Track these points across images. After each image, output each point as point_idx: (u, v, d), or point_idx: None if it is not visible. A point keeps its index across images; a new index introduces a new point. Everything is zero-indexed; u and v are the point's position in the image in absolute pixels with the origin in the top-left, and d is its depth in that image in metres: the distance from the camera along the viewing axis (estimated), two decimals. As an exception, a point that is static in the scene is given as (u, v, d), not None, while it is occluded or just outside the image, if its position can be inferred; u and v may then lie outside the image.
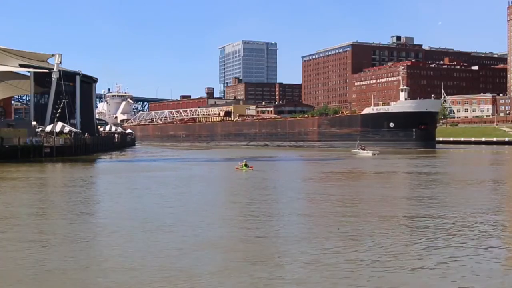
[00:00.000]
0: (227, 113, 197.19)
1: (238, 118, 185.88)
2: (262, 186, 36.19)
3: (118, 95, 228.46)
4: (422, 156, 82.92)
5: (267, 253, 15.82)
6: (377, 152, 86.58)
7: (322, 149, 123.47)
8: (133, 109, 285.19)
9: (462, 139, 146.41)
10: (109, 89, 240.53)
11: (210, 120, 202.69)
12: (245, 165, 50.18)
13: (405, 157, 79.95)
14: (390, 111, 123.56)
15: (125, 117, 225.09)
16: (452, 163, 66.40)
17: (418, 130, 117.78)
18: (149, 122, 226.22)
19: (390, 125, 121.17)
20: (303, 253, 15.68)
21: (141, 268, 14.10)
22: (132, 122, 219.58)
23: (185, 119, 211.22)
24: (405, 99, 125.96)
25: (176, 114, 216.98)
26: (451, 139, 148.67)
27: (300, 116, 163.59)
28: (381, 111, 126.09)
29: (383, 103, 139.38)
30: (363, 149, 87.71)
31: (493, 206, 25.78)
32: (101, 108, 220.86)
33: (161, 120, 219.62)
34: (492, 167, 61.22)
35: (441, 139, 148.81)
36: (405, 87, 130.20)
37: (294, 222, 21.51)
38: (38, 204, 27.87)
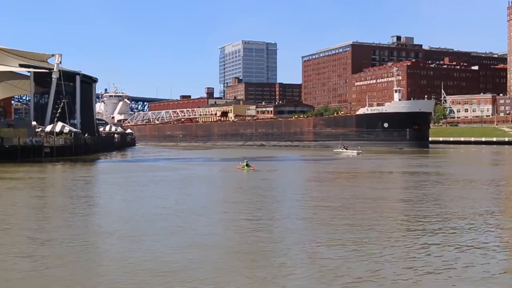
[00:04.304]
0: (224, 114, 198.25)
1: (235, 118, 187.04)
2: (265, 186, 36.09)
3: (115, 95, 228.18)
4: (420, 156, 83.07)
5: (268, 255, 15.75)
6: (360, 151, 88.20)
7: (317, 149, 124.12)
8: (133, 109, 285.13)
9: (462, 139, 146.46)
10: (106, 90, 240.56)
11: (207, 121, 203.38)
12: (247, 165, 50.11)
13: (404, 157, 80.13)
14: (384, 111, 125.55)
15: (122, 117, 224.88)
16: (450, 163, 66.36)
17: (412, 130, 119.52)
18: (146, 122, 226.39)
19: (384, 125, 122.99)
20: (304, 255, 15.61)
21: (141, 269, 14.03)
22: (129, 122, 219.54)
23: (182, 119, 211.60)
24: (399, 99, 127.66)
25: (173, 114, 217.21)
26: (451, 139, 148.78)
27: (296, 116, 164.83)
28: (375, 111, 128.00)
29: (377, 104, 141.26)
30: (346, 149, 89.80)
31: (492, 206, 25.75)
32: (98, 108, 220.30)
33: (158, 120, 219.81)
34: (491, 167, 61.15)
35: (441, 139, 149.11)
36: (398, 87, 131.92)
37: (297, 223, 21.44)
38: (38, 205, 27.78)
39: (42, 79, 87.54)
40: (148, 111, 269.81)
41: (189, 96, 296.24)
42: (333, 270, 13.70)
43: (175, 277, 13.17)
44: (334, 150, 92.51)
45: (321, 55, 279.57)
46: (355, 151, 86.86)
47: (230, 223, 21.29)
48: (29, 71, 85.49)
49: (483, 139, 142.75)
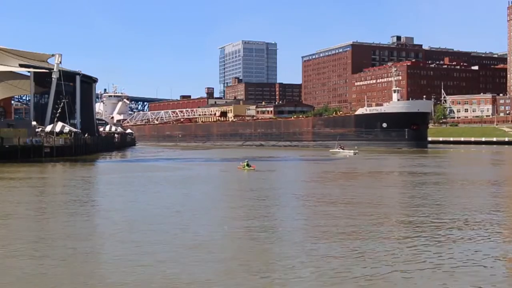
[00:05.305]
0: (223, 114, 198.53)
1: (234, 118, 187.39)
2: (266, 186, 36.02)
3: (114, 96, 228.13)
4: (419, 156, 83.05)
5: (271, 256, 15.69)
6: (357, 151, 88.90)
7: (316, 149, 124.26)
8: (133, 109, 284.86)
9: (462, 139, 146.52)
10: (105, 90, 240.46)
11: (207, 121, 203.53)
12: (247, 165, 50.08)
13: (404, 157, 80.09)
14: (383, 111, 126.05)
15: (121, 117, 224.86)
16: (451, 163, 66.33)
17: (410, 130, 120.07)
18: (145, 122, 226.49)
19: (383, 125, 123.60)
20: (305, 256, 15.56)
21: (142, 270, 13.97)
22: (128, 122, 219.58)
23: (181, 119, 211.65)
24: (398, 99, 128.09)
25: (172, 114, 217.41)
26: (451, 139, 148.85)
27: (295, 116, 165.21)
28: (374, 111, 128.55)
29: (376, 104, 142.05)
30: (343, 149, 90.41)
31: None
32: (97, 108, 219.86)
33: (157, 120, 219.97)
34: (492, 168, 61.13)
35: (441, 139, 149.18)
36: (397, 88, 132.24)
37: (299, 223, 21.38)
38: (38, 205, 27.69)
39: (42, 79, 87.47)
40: (148, 111, 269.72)
41: (189, 96, 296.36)
42: (336, 272, 13.65)
43: (176, 279, 13.10)
44: (331, 150, 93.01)
45: (321, 55, 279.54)
46: (352, 151, 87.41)
47: (232, 224, 21.19)
48: (29, 71, 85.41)
49: (483, 139, 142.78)
